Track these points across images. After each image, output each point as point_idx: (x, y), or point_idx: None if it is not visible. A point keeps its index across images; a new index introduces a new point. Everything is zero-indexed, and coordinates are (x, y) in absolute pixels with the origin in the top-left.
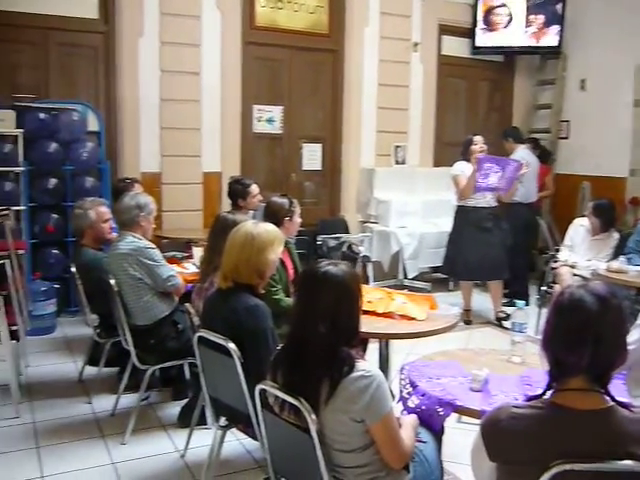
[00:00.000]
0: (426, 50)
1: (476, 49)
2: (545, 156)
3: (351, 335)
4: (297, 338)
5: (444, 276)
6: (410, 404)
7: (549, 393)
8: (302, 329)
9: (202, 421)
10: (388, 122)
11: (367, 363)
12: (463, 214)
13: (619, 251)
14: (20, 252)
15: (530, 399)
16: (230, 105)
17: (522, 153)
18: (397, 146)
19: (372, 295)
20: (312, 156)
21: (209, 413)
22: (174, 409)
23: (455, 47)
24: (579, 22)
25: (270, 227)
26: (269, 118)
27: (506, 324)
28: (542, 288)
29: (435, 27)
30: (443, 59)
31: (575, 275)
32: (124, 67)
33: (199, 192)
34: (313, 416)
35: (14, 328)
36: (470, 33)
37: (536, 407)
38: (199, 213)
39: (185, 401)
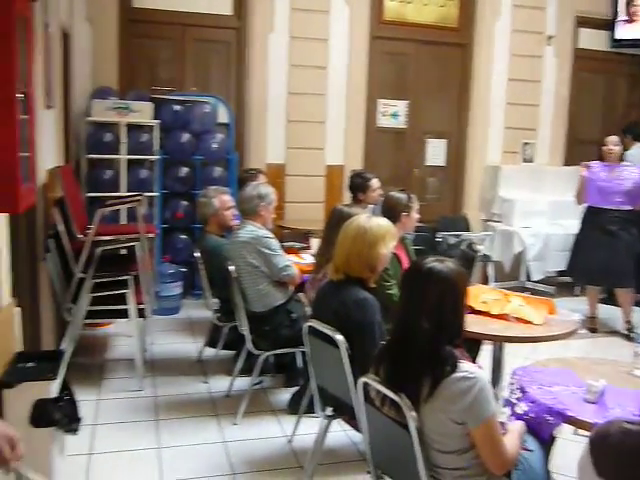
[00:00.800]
0: (561, 43)
1: (616, 42)
2: None
3: (455, 333)
4: (401, 333)
5: (570, 280)
6: (518, 410)
7: None
8: (406, 324)
9: (310, 409)
10: (517, 118)
11: (470, 364)
12: (588, 215)
13: None
14: (150, 236)
15: None
16: (355, 99)
17: (635, 151)
18: (525, 143)
19: (487, 295)
20: (436, 152)
21: (316, 402)
22: (285, 395)
23: (593, 40)
24: None
25: (383, 221)
26: (394, 113)
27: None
28: None
29: (571, 19)
30: (579, 53)
31: None
32: (254, 62)
33: (321, 184)
34: (413, 413)
35: (141, 307)
36: (609, 25)
37: None
38: (320, 205)
39: (296, 388)
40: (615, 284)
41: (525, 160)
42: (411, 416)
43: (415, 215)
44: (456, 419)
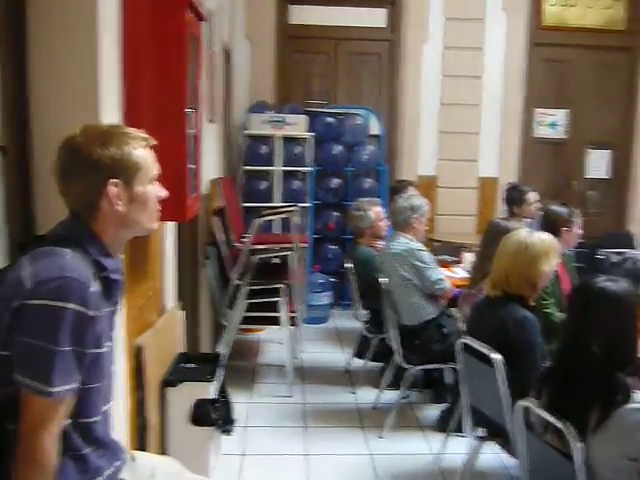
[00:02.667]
0: None
1: None
2: None
3: (627, 360)
4: (567, 357)
5: None
6: None
7: None
8: (573, 348)
9: (459, 428)
10: None
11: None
12: None
13: None
14: (303, 246)
15: None
16: (511, 109)
17: None
18: None
19: None
20: (598, 163)
21: (467, 422)
22: (432, 411)
23: None
24: None
25: (546, 237)
26: (552, 122)
27: None
28: None
29: None
30: None
31: None
32: (407, 72)
33: (474, 197)
34: (579, 444)
35: (293, 315)
36: None
37: None
38: (473, 218)
39: (444, 405)
40: None
41: None
42: (577, 447)
43: (577, 231)
44: (628, 454)
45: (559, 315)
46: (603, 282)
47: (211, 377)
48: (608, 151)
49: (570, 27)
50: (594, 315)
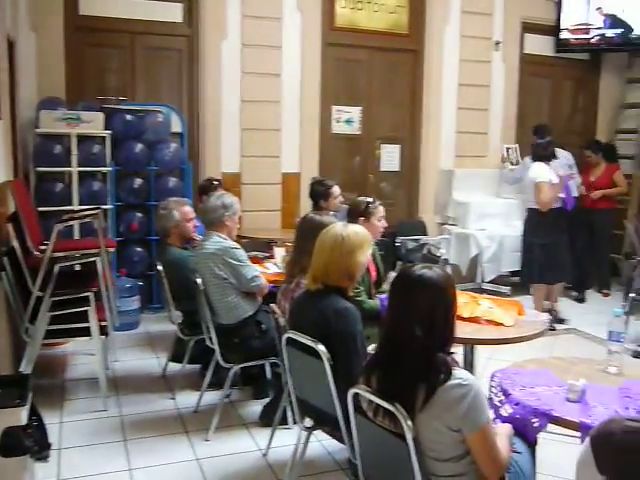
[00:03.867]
0: (508, 49)
1: (560, 47)
2: (611, 155)
3: (446, 340)
4: (392, 342)
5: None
6: (503, 413)
7: None
8: (397, 333)
9: (283, 421)
10: (468, 123)
11: (463, 371)
12: (543, 217)
13: None
14: (110, 250)
15: None
16: (309, 106)
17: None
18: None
19: (457, 299)
20: (390, 157)
21: (291, 413)
22: (255, 407)
23: (538, 45)
24: None
25: (359, 229)
26: (348, 119)
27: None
28: (630, 295)
29: (518, 25)
30: (526, 58)
31: None
32: (207, 69)
33: (278, 192)
34: (409, 422)
35: (103, 324)
36: (554, 31)
37: None
38: (277, 213)
39: (266, 400)
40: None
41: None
42: (407, 425)
43: (379, 221)
44: (452, 426)
45: (370, 302)
46: (420, 270)
47: (21, 402)
48: (398, 145)
49: (359, 29)
50: (414, 300)
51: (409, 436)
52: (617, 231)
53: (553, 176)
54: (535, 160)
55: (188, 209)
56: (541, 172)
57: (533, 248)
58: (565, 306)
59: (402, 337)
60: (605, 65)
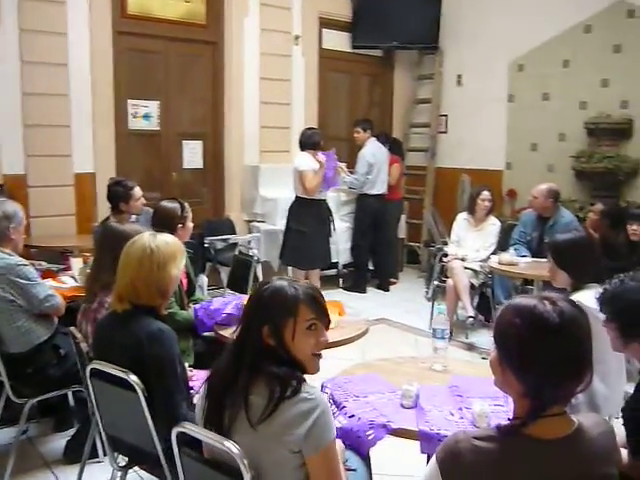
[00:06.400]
0: (307, 43)
1: (356, 43)
2: (396, 147)
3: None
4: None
5: (331, 274)
6: (337, 424)
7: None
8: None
9: (94, 453)
10: (271, 117)
11: (310, 385)
12: (307, 206)
13: (506, 240)
14: None
15: (498, 428)
16: (102, 100)
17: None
18: None
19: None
20: (193, 154)
21: (105, 451)
22: (58, 442)
23: (336, 41)
24: (454, 18)
25: (170, 239)
26: (145, 114)
27: None
28: (434, 282)
29: (315, 20)
30: (324, 53)
31: (466, 268)
32: None
33: (71, 195)
34: (246, 461)
35: None
36: (350, 27)
37: (500, 440)
38: (72, 218)
39: (71, 431)
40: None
41: None
42: (244, 465)
43: (190, 225)
44: (293, 447)
45: (183, 313)
46: (271, 282)
47: None
48: (200, 141)
49: (154, 17)
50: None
51: (247, 477)
52: (415, 220)
53: (315, 165)
54: (302, 149)
55: None
56: (305, 161)
57: (293, 234)
58: (369, 296)
59: (248, 351)
60: (398, 62)
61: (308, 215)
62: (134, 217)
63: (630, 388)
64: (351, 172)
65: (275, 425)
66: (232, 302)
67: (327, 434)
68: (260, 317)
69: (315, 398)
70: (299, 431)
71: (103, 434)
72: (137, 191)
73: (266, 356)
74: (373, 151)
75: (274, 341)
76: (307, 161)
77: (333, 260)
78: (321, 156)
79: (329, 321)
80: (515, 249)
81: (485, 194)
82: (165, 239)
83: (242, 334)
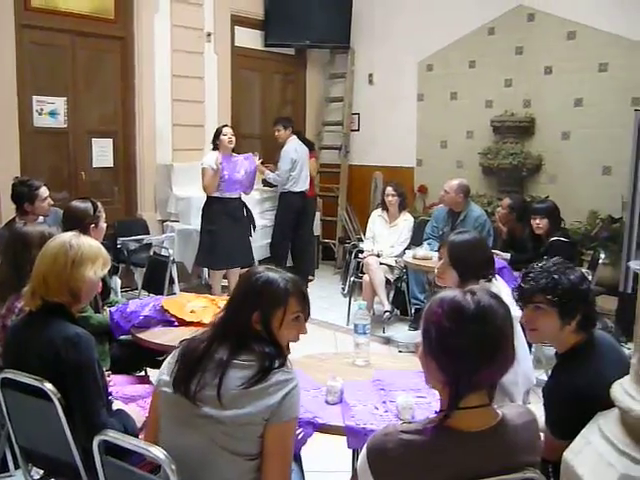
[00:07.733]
0: (219, 41)
1: (268, 42)
2: (310, 145)
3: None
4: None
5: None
6: None
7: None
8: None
9: (3, 468)
10: (184, 115)
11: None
12: (217, 205)
13: (419, 235)
14: None
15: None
16: (4, 95)
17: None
18: None
19: (194, 303)
20: (103, 152)
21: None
22: None
23: (248, 39)
24: (365, 18)
25: (95, 243)
26: (51, 111)
27: None
28: (351, 278)
29: (227, 17)
30: (237, 50)
31: (381, 264)
32: None
33: None
34: (173, 466)
35: None
36: (263, 25)
37: (426, 433)
38: None
39: None
40: (243, 263)
41: None
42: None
43: (103, 225)
44: (264, 414)
45: (97, 317)
46: (263, 272)
47: None
48: (110, 139)
49: (59, 11)
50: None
51: None
52: (330, 218)
53: (214, 164)
54: (214, 148)
55: None
56: (208, 158)
57: (205, 234)
58: None
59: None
60: (310, 61)
61: (218, 214)
62: (41, 218)
63: (540, 375)
64: (271, 170)
65: (255, 390)
66: (149, 304)
67: (295, 408)
68: (251, 303)
69: (293, 374)
70: (275, 397)
71: (16, 446)
72: (43, 191)
73: (251, 337)
74: (295, 147)
75: (261, 327)
76: (208, 159)
77: None
78: (241, 157)
79: (309, 314)
80: (428, 244)
81: (388, 189)
82: (90, 241)
83: (229, 315)
